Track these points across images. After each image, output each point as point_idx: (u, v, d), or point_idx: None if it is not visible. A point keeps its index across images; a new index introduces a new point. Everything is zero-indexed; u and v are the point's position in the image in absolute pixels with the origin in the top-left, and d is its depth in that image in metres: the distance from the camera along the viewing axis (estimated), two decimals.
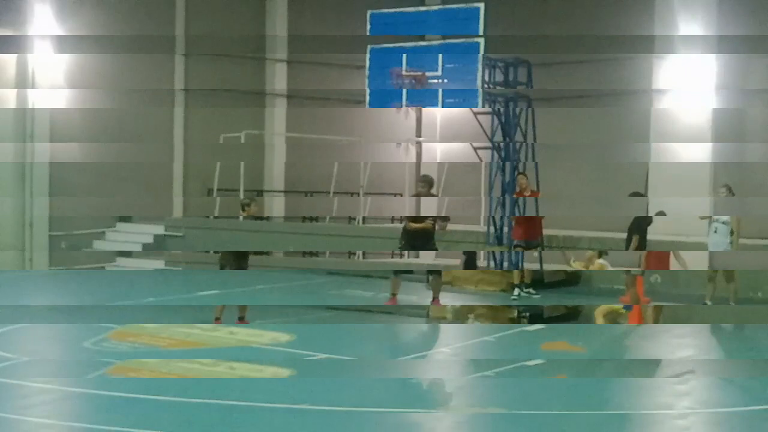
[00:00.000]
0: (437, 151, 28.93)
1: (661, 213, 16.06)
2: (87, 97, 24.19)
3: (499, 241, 18.72)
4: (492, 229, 18.63)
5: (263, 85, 28.40)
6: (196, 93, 26.47)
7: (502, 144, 18.22)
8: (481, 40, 16.90)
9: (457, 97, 17.22)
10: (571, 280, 18.73)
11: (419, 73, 17.32)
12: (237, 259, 15.24)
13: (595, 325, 14.23)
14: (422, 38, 23.76)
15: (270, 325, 13.24)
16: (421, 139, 27.03)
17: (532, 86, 18.59)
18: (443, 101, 17.31)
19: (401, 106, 17.54)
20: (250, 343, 11.47)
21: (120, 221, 25.27)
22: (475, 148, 18.44)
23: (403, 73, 17.42)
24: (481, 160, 18.79)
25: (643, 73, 24.24)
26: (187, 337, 11.68)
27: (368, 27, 18.16)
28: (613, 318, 14.18)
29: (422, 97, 17.38)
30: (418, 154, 28.13)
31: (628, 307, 14.14)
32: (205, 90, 26.28)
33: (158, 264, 24.40)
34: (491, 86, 17.99)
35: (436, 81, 17.49)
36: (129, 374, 11.34)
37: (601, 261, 15.11)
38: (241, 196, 22.67)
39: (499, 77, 18.41)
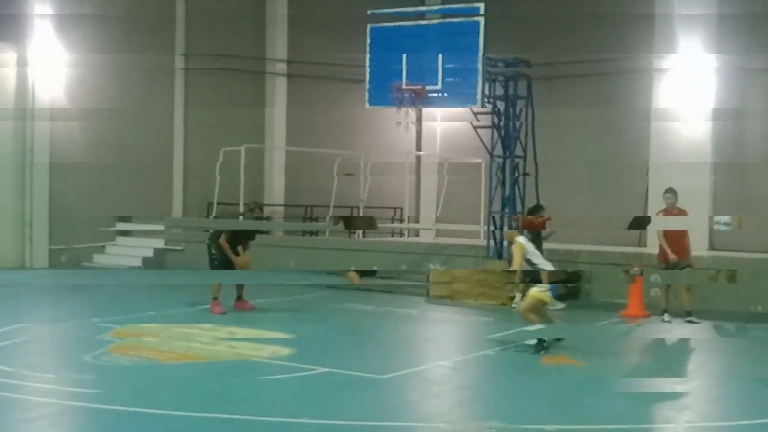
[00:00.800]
0: (437, 130, 29.03)
1: (670, 190, 15.95)
2: (86, 95, 24.37)
3: (499, 254, 18.81)
4: (491, 226, 18.77)
5: (263, 91, 28.63)
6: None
7: (502, 123, 18.35)
8: (481, 20, 16.98)
9: (457, 77, 17.26)
10: (571, 293, 18.79)
11: (419, 87, 17.38)
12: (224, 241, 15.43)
13: (597, 327, 14.21)
14: (422, 17, 23.89)
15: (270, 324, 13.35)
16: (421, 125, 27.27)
17: (532, 94, 18.68)
18: (443, 80, 17.34)
19: (400, 103, 17.60)
20: (250, 356, 11.47)
21: (120, 221, 25.32)
22: (475, 127, 18.49)
23: (403, 86, 17.48)
24: (483, 143, 18.82)
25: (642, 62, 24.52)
26: (187, 351, 11.71)
27: (368, 41, 18.24)
28: (540, 309, 12.57)
29: (422, 75, 17.41)
30: (418, 133, 28.22)
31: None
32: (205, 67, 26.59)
33: (158, 243, 24.55)
34: (491, 99, 18.06)
35: (436, 95, 17.55)
36: (128, 353, 11.41)
37: (521, 239, 12.99)
38: (241, 209, 22.91)
39: (499, 91, 18.52)
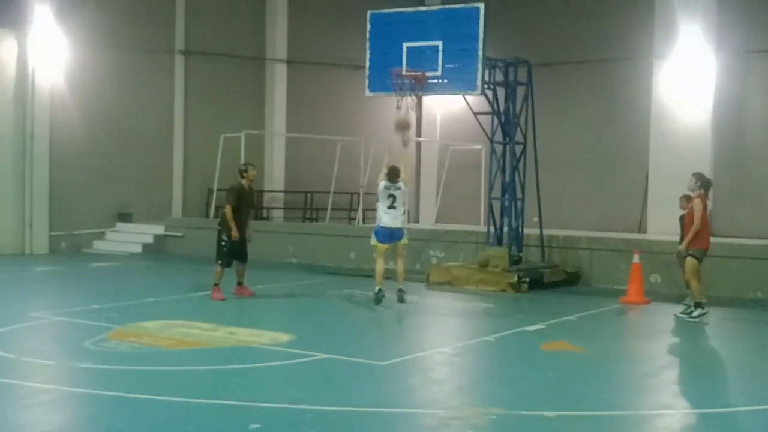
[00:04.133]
0: (437, 115, 29.03)
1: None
2: (86, 81, 24.36)
3: (500, 240, 18.83)
4: (491, 217, 18.91)
5: (263, 77, 28.62)
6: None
7: (502, 109, 18.37)
8: (481, 6, 16.96)
9: (457, 63, 17.22)
10: (570, 279, 18.83)
11: (419, 73, 17.35)
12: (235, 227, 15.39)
13: (595, 326, 14.21)
14: (422, 3, 23.70)
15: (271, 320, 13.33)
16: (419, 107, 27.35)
17: (532, 81, 18.67)
18: (443, 66, 17.33)
19: (401, 92, 17.55)
20: (250, 342, 11.48)
21: (120, 221, 25.35)
22: (476, 114, 18.50)
23: (403, 73, 17.45)
24: (483, 129, 18.81)
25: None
26: (186, 337, 11.71)
27: (368, 27, 18.22)
28: None
29: (422, 61, 17.37)
30: (418, 119, 28.25)
31: None
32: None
33: (158, 229, 24.59)
34: (491, 86, 18.05)
35: (436, 81, 17.51)
36: (128, 339, 11.43)
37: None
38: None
39: (499, 77, 18.51)
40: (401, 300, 14.92)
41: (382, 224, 14.95)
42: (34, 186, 23.19)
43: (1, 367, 9.76)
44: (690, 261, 14.43)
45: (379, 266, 15.08)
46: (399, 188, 14.93)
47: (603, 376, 10.28)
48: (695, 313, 14.37)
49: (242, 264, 15.86)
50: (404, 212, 15.15)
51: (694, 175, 14.79)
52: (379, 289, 14.95)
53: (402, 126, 15.88)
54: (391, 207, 14.86)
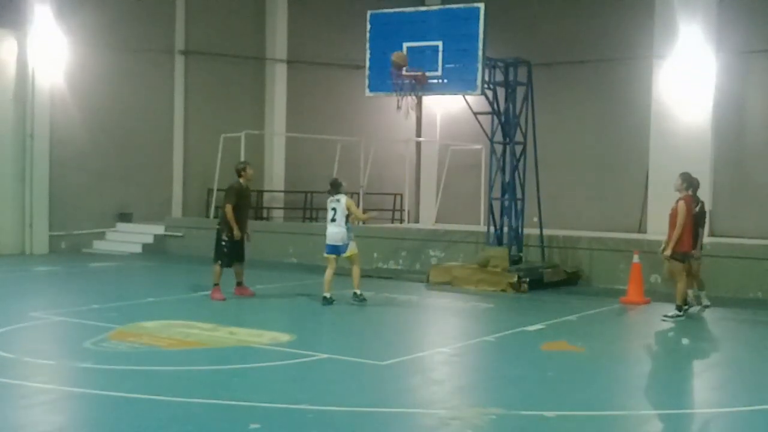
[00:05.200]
0: (437, 115, 29.01)
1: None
2: (86, 81, 24.34)
3: (500, 240, 18.82)
4: (491, 217, 18.92)
5: (263, 77, 28.56)
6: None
7: (502, 109, 18.36)
8: (481, 6, 16.94)
9: (457, 63, 17.19)
10: (570, 279, 18.81)
11: (419, 73, 17.34)
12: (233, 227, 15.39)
13: (595, 326, 14.19)
14: (422, 3, 23.60)
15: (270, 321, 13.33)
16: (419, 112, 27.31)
17: (532, 81, 18.66)
18: (443, 66, 17.30)
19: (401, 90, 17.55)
20: (250, 342, 11.48)
21: (120, 221, 25.33)
22: (476, 114, 18.48)
23: (403, 73, 17.42)
24: (483, 129, 18.78)
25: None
26: (186, 337, 11.71)
27: (368, 27, 18.21)
28: None
29: (422, 61, 17.35)
30: (418, 119, 28.24)
31: None
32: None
33: (158, 229, 24.57)
34: (491, 86, 18.03)
35: (436, 81, 17.49)
36: (128, 339, 11.42)
37: None
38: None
39: (499, 77, 18.50)
40: (361, 303, 15.15)
41: (327, 238, 15.18)
42: (34, 186, 23.18)
43: (1, 367, 9.76)
44: (674, 264, 14.43)
45: (327, 274, 15.13)
46: (338, 201, 15.10)
47: (603, 376, 10.28)
48: (671, 313, 14.40)
49: (240, 264, 15.86)
50: (345, 226, 15.08)
51: (680, 175, 14.81)
52: (324, 297, 15.01)
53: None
54: (332, 219, 15.09)
